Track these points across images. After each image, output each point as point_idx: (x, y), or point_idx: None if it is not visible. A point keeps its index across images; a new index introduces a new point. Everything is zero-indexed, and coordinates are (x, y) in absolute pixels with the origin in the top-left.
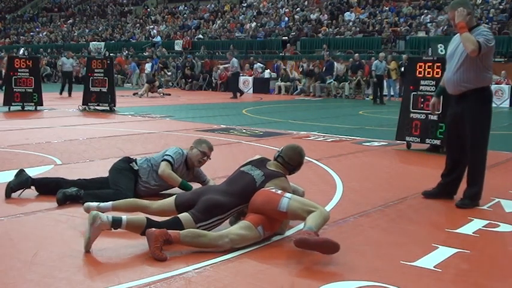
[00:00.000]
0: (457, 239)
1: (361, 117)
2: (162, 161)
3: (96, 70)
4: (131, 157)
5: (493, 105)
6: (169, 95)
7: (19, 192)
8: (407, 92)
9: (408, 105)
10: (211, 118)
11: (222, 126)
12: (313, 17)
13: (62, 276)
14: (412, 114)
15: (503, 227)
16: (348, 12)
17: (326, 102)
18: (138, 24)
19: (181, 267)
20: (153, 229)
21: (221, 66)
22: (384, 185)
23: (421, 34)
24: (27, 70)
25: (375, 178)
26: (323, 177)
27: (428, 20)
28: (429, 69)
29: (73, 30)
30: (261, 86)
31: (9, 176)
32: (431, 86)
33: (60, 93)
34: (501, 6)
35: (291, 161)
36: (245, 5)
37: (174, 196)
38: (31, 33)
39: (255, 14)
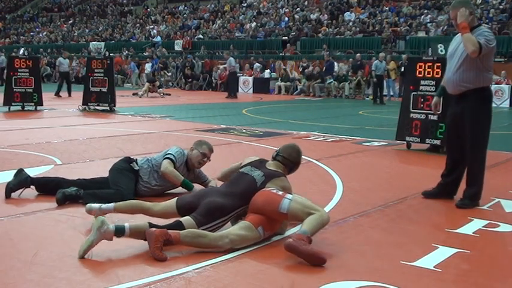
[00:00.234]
0: (457, 239)
1: (361, 117)
2: (164, 159)
3: (96, 70)
4: (131, 157)
5: (493, 105)
6: (169, 95)
7: (19, 192)
8: (407, 92)
9: (408, 105)
10: (211, 118)
11: (222, 126)
12: (313, 17)
13: (62, 276)
14: (412, 114)
15: (503, 227)
16: (348, 12)
17: (326, 102)
18: (138, 24)
19: (181, 267)
20: (153, 229)
21: (221, 66)
22: (384, 185)
23: (421, 34)
24: (27, 70)
25: (375, 178)
26: (323, 177)
27: (428, 20)
28: (429, 69)
29: (73, 30)
30: (261, 86)
31: (9, 176)
32: (431, 86)
33: (56, 94)
34: (501, 6)
35: (291, 157)
36: (245, 5)
37: (176, 198)
38: (31, 33)
39: (255, 14)
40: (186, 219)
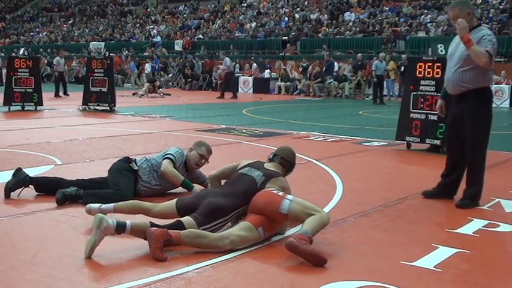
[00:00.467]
0: (457, 239)
1: (361, 117)
2: (163, 159)
3: (96, 70)
4: (130, 157)
5: (493, 105)
6: (169, 95)
7: (18, 191)
8: (407, 92)
9: (408, 105)
10: (211, 118)
11: (222, 126)
12: (313, 17)
13: (62, 276)
14: (412, 114)
15: (503, 227)
16: (348, 12)
17: (326, 102)
18: (138, 24)
19: (181, 267)
20: (154, 229)
21: (221, 66)
22: (384, 185)
23: (421, 34)
24: (27, 70)
25: (375, 178)
26: (323, 177)
27: (428, 20)
28: (429, 69)
29: (73, 30)
30: (261, 86)
31: (9, 176)
32: (431, 86)
33: (56, 95)
34: (501, 6)
35: (288, 158)
36: (245, 5)
37: (175, 199)
38: (31, 33)
39: (255, 14)
40: (187, 219)
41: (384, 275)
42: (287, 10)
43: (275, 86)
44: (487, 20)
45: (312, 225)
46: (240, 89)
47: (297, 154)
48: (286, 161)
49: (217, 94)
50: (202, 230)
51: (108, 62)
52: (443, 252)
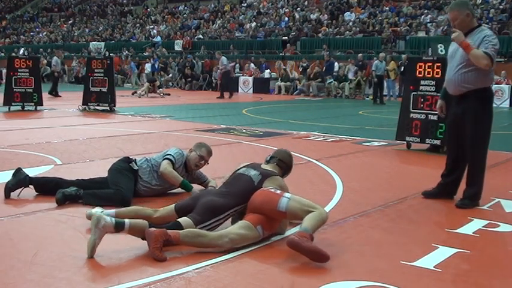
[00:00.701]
0: (457, 239)
1: (361, 117)
2: (163, 160)
3: (96, 70)
4: (130, 157)
5: (493, 105)
6: (169, 95)
7: (18, 191)
8: (407, 92)
9: (408, 105)
10: (211, 118)
11: (222, 126)
12: (313, 17)
13: (62, 276)
14: (412, 114)
15: (503, 227)
16: (348, 12)
17: (326, 102)
18: (138, 24)
19: (181, 267)
20: (153, 229)
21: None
22: (384, 185)
23: (421, 34)
24: (27, 70)
25: (375, 178)
26: (323, 177)
27: (428, 20)
28: (429, 69)
29: (73, 30)
30: (261, 86)
31: (9, 176)
32: (431, 86)
33: (56, 95)
34: (501, 6)
35: (285, 159)
36: (245, 5)
37: (174, 204)
38: (31, 33)
39: (255, 14)
40: (184, 220)
41: (384, 275)
42: (287, 10)
43: (275, 86)
44: (487, 20)
45: (311, 222)
46: (240, 89)
47: (297, 154)
48: (283, 163)
49: (217, 94)
50: (200, 228)
51: (108, 62)
52: (443, 252)
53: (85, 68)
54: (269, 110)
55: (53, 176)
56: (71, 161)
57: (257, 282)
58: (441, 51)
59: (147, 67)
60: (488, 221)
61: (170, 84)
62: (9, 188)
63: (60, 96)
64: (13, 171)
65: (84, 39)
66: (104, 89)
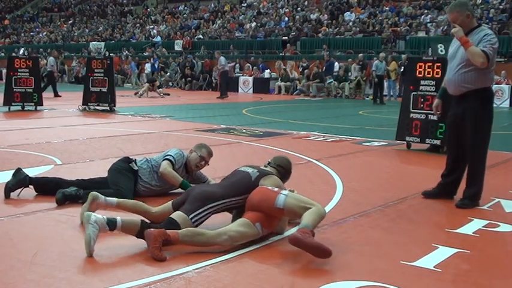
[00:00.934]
0: (457, 239)
1: (361, 117)
2: (163, 160)
3: (96, 70)
4: (130, 157)
5: (493, 105)
6: (169, 94)
7: (18, 191)
8: (407, 92)
9: (408, 105)
10: (211, 118)
11: (222, 126)
12: (313, 17)
13: (62, 276)
14: (412, 114)
15: (503, 227)
16: (348, 12)
17: (326, 102)
18: (138, 24)
19: (181, 267)
20: (152, 229)
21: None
22: (384, 185)
23: (421, 34)
24: (27, 70)
25: (375, 178)
26: (323, 177)
27: (428, 20)
28: (429, 69)
29: (73, 30)
30: (261, 86)
31: (9, 176)
32: (431, 86)
33: (56, 95)
34: (501, 6)
35: (283, 164)
36: (245, 5)
37: (171, 201)
38: (31, 33)
39: (255, 14)
40: (175, 214)
41: (384, 275)
42: (287, 10)
43: (275, 86)
44: (487, 20)
45: (310, 218)
46: (240, 89)
47: (297, 154)
48: (281, 167)
49: (217, 94)
50: (192, 217)
51: (108, 62)
52: (443, 252)
53: (85, 68)
54: (269, 110)
55: (53, 176)
56: (71, 161)
57: (257, 282)
58: (441, 51)
59: (147, 67)
60: (488, 221)
61: (170, 84)
62: (9, 188)
63: (60, 96)
64: (13, 171)
65: (84, 39)
66: (104, 89)
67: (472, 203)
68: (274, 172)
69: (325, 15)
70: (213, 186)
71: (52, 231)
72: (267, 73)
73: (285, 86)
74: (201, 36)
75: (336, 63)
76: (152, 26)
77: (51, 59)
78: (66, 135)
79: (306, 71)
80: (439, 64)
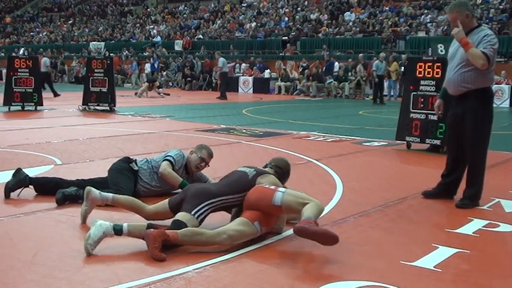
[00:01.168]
0: (457, 239)
1: (361, 117)
2: (163, 161)
3: (96, 70)
4: (131, 157)
5: (493, 105)
6: (169, 95)
7: (18, 191)
8: (407, 92)
9: (408, 105)
10: (211, 118)
11: (222, 126)
12: (313, 17)
13: (62, 276)
14: (412, 114)
15: (503, 227)
16: (348, 12)
17: (326, 102)
18: (138, 24)
19: (181, 267)
20: (151, 229)
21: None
22: (384, 185)
23: (421, 34)
24: (27, 70)
25: (375, 178)
26: (323, 177)
27: (428, 20)
28: (429, 69)
29: (73, 30)
30: (261, 86)
31: (9, 176)
32: (431, 86)
33: (55, 95)
34: (501, 6)
35: (280, 164)
36: (245, 5)
37: (167, 199)
38: (31, 33)
39: (255, 14)
40: (180, 214)
41: (384, 275)
42: (287, 10)
43: (275, 86)
44: (487, 20)
45: (311, 210)
46: (240, 89)
47: (297, 154)
48: (279, 168)
49: (217, 94)
50: (195, 213)
51: (108, 62)
52: (443, 252)
53: (85, 68)
54: (269, 110)
55: (52, 176)
56: (71, 161)
57: (257, 282)
58: (441, 51)
59: (147, 67)
60: (488, 221)
61: (170, 84)
62: (9, 188)
63: (59, 95)
64: (13, 171)
65: (84, 39)
66: (104, 89)
67: (472, 203)
68: (272, 173)
69: (325, 15)
70: (210, 184)
71: (52, 231)
72: (267, 73)
73: (285, 86)
74: (201, 36)
75: (336, 63)
76: (152, 26)
77: (45, 59)
78: (66, 135)
79: (306, 71)
80: (439, 64)
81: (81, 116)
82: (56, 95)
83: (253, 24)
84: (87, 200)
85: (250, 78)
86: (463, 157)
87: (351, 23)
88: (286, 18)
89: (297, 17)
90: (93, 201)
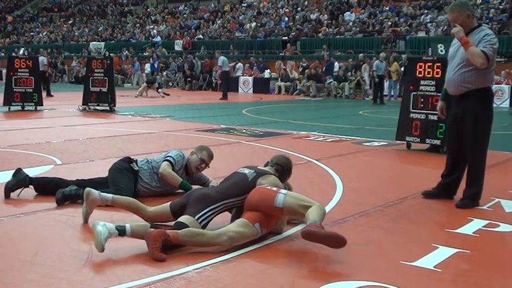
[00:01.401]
0: (457, 239)
1: (361, 117)
2: (163, 161)
3: (96, 70)
4: (131, 157)
5: (493, 105)
6: (169, 95)
7: (18, 191)
8: (407, 92)
9: (408, 105)
10: (211, 118)
11: (222, 126)
12: (313, 17)
13: (62, 276)
14: (412, 114)
15: (503, 227)
16: (348, 12)
17: (326, 102)
18: (138, 24)
19: (181, 267)
20: (152, 229)
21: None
22: (384, 185)
23: (421, 34)
24: (27, 70)
25: (375, 178)
26: (323, 177)
27: (428, 20)
28: (429, 69)
29: (73, 30)
30: (261, 86)
31: (9, 176)
32: (431, 86)
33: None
34: (501, 6)
35: (281, 162)
36: (245, 5)
37: (169, 203)
38: (31, 33)
39: (255, 14)
40: (183, 218)
41: (384, 275)
42: (287, 10)
43: (275, 86)
44: (487, 20)
45: (316, 214)
46: (240, 89)
47: (297, 154)
48: (280, 166)
49: (217, 94)
50: (198, 218)
51: (108, 62)
52: (443, 252)
53: (85, 68)
54: (269, 110)
55: (53, 176)
56: (71, 161)
57: (257, 282)
58: (441, 51)
59: (147, 67)
60: (488, 221)
61: (170, 84)
62: (9, 188)
63: (52, 96)
64: (13, 171)
65: (84, 39)
66: (104, 89)
67: (472, 203)
68: (273, 171)
69: (325, 15)
70: (211, 189)
71: (52, 231)
72: (267, 73)
73: (285, 86)
74: (201, 36)
75: (336, 63)
76: (152, 26)
77: (42, 58)
78: (66, 135)
79: (306, 71)
80: (439, 64)
81: (81, 116)
82: (49, 95)
83: (253, 24)
84: (87, 201)
85: (250, 78)
86: (463, 157)
87: (351, 23)
88: (286, 18)
89: (297, 17)
90: (93, 202)
